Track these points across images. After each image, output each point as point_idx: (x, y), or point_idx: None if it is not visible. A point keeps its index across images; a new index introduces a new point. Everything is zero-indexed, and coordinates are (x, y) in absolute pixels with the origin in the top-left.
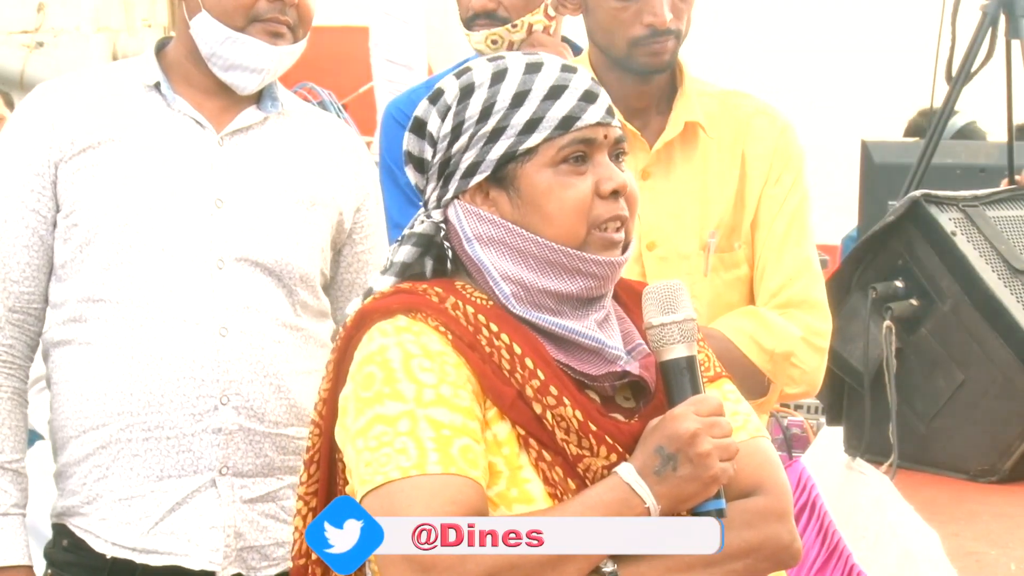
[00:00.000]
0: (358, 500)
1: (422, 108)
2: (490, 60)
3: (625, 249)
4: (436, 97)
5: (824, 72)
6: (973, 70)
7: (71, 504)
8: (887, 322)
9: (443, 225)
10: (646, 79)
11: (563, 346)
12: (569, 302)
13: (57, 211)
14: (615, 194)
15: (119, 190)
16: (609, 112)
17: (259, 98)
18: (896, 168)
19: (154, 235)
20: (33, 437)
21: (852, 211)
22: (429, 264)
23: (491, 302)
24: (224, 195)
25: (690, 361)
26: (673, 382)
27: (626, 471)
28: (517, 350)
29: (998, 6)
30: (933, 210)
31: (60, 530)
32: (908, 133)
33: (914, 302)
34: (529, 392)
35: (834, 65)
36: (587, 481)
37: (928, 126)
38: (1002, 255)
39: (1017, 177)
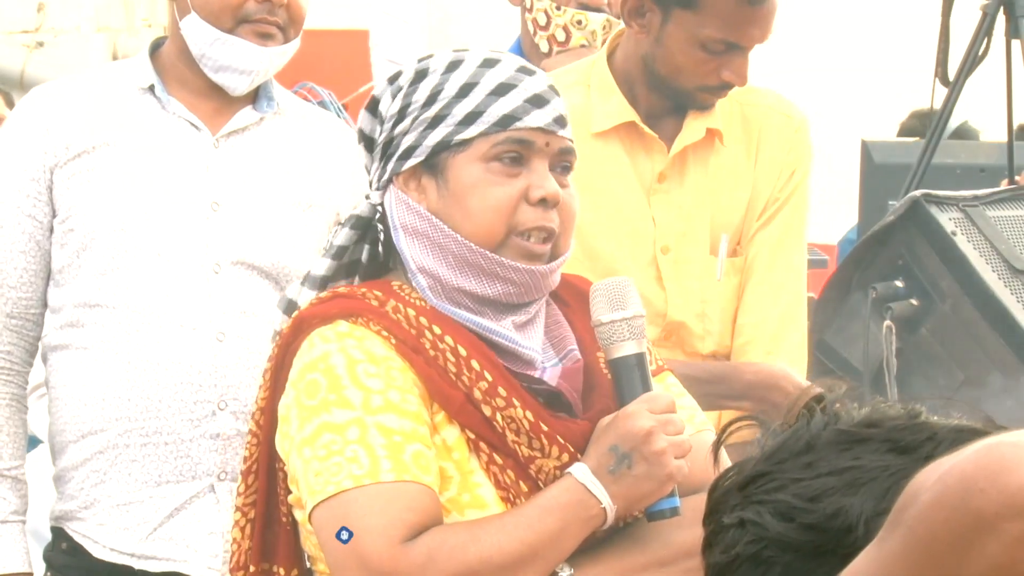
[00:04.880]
0: (307, 511)
1: (380, 87)
2: (455, 51)
3: (554, 259)
4: (394, 78)
5: (824, 71)
6: (970, 69)
7: (69, 508)
8: (887, 322)
9: (380, 208)
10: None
11: (486, 343)
12: (489, 304)
13: (53, 216)
14: (543, 202)
15: (115, 194)
16: (558, 121)
17: (255, 98)
18: (896, 168)
19: (150, 239)
20: (34, 441)
21: (852, 211)
22: (366, 249)
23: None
24: (220, 198)
25: (640, 358)
26: (623, 379)
27: (580, 471)
28: (462, 352)
29: (998, 6)
30: (933, 210)
31: (59, 533)
32: (901, 135)
33: (914, 302)
34: (477, 394)
35: (834, 64)
36: (539, 483)
37: (927, 127)
38: (1002, 255)
39: (1017, 177)
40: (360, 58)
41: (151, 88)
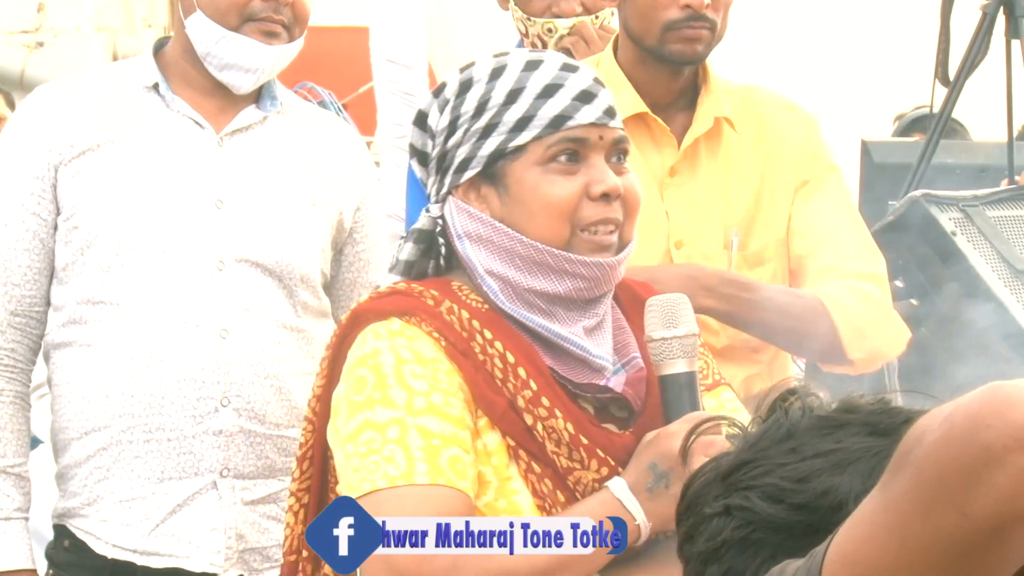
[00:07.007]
0: None
1: (426, 101)
2: (494, 56)
3: (621, 250)
4: (439, 91)
5: (823, 70)
6: (970, 70)
7: (72, 505)
8: None
9: (440, 220)
10: (676, 73)
11: (551, 349)
12: (560, 303)
13: (57, 214)
14: (605, 197)
15: (119, 192)
16: (608, 113)
17: (258, 97)
18: (896, 168)
19: (154, 237)
20: (33, 442)
21: None
22: (431, 264)
23: (486, 305)
24: (224, 196)
25: (690, 377)
26: (671, 397)
27: (618, 487)
28: (511, 359)
29: (998, 6)
30: (933, 210)
31: (61, 531)
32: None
33: (914, 302)
34: (521, 402)
35: (833, 63)
36: (577, 494)
37: (901, 126)
38: (1002, 255)
39: (1017, 177)
40: (361, 56)
41: (155, 86)
